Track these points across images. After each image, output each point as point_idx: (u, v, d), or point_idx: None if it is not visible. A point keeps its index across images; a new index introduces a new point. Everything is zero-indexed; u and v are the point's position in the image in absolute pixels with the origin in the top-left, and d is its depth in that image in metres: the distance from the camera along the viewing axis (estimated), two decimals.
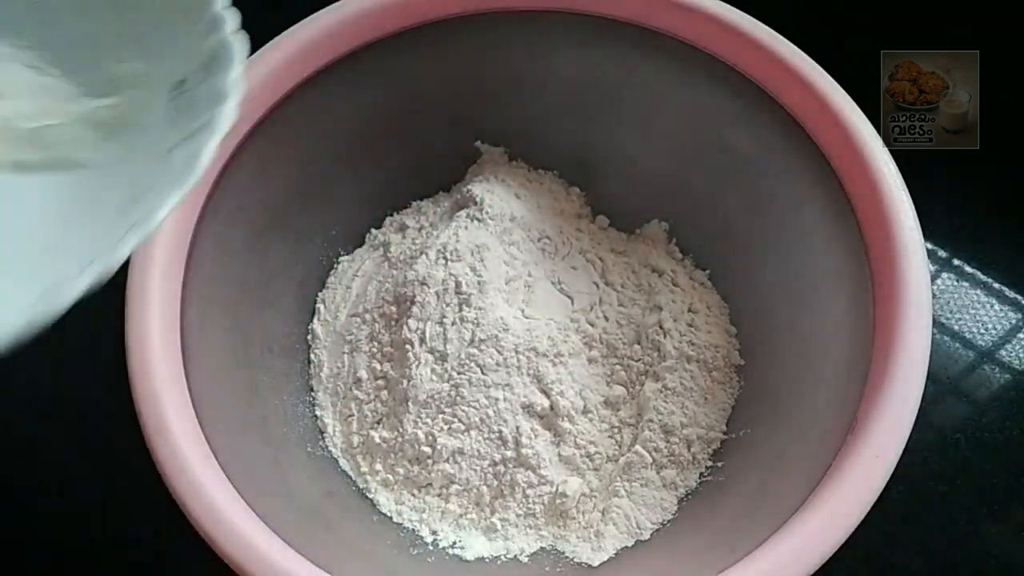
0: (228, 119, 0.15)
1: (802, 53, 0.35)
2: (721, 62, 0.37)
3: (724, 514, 0.33)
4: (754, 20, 0.36)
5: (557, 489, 0.35)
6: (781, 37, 0.36)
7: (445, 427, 0.36)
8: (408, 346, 0.37)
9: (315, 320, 0.41)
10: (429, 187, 0.45)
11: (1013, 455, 0.41)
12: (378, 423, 0.38)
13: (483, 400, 0.36)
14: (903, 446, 0.28)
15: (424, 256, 0.39)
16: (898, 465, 0.27)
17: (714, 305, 0.41)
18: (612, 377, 0.39)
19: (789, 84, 0.35)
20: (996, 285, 0.47)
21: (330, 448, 0.38)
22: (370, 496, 0.37)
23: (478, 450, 0.36)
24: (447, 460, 0.36)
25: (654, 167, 0.42)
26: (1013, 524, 0.40)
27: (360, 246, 0.44)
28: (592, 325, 0.39)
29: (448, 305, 0.37)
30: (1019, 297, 0.47)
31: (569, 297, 0.40)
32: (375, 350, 0.39)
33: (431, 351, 0.37)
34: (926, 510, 0.40)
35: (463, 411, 0.36)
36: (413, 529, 0.36)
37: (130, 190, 0.14)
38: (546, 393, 0.37)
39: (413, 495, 0.36)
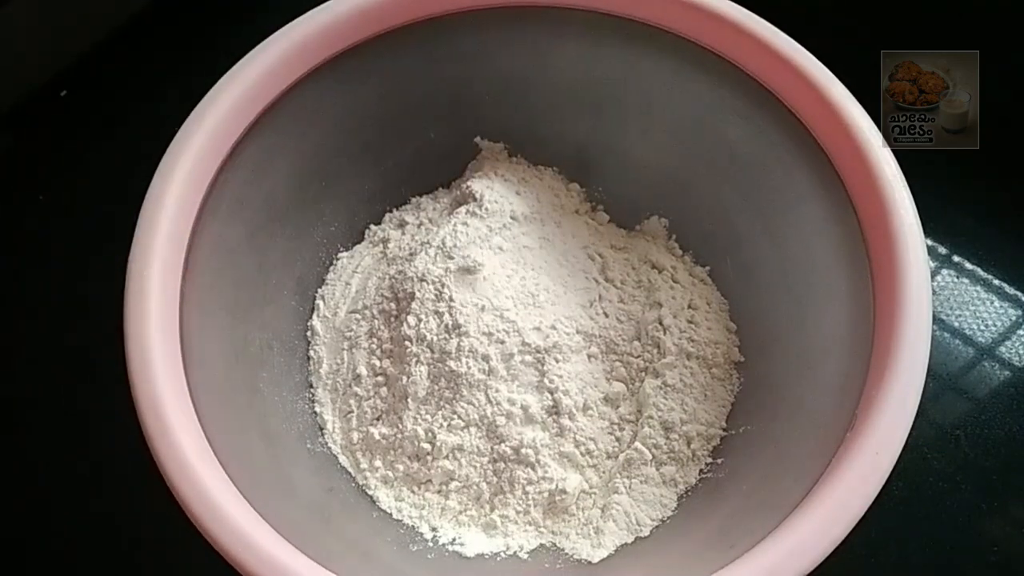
0: None
1: (803, 50, 0.35)
2: (721, 58, 0.37)
3: (724, 511, 0.33)
4: (755, 16, 0.36)
5: (557, 486, 0.35)
6: (782, 33, 0.36)
7: (444, 424, 0.36)
8: (407, 342, 0.37)
9: (314, 316, 0.41)
10: (428, 183, 0.45)
11: (1013, 451, 0.42)
12: (377, 419, 0.38)
13: (482, 397, 0.36)
14: (903, 443, 0.28)
15: (423, 252, 0.39)
16: (898, 462, 0.27)
17: (714, 302, 0.41)
18: (612, 374, 0.38)
19: (790, 80, 0.35)
20: (996, 282, 0.47)
21: (329, 445, 0.38)
22: (370, 493, 0.36)
23: (478, 447, 0.36)
24: (447, 457, 0.36)
25: (654, 163, 0.42)
26: (1013, 520, 0.40)
27: (359, 242, 0.44)
28: (592, 321, 0.39)
29: (447, 301, 0.37)
30: (1019, 294, 0.47)
31: (569, 294, 0.40)
32: (374, 346, 0.39)
33: (430, 347, 0.37)
34: (926, 506, 0.40)
35: (462, 408, 0.36)
36: (413, 526, 0.36)
37: None
38: (546, 390, 0.37)
39: (413, 492, 0.36)
